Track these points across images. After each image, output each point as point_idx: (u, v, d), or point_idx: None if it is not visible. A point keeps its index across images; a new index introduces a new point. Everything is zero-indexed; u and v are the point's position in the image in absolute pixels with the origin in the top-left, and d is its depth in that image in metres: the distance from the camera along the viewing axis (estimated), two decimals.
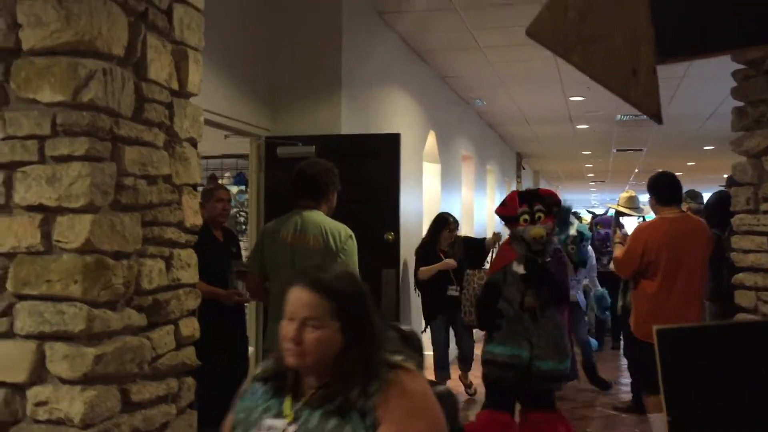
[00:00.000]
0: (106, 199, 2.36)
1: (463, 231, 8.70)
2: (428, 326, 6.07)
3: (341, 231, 3.42)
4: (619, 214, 6.01)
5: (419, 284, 5.90)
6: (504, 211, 4.45)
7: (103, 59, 2.37)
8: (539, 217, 4.23)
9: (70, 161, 2.30)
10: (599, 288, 7.43)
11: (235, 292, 4.10)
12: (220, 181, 7.82)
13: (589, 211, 11.01)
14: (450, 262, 5.81)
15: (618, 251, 4.66)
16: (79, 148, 2.30)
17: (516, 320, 4.20)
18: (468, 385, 6.26)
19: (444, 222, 6.04)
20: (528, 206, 4.27)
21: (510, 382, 4.20)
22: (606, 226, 8.33)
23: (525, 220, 4.25)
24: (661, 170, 4.83)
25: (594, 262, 7.58)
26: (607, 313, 8.78)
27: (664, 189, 4.54)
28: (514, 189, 16.79)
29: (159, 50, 2.66)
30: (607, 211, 9.42)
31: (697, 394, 1.47)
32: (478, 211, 11.10)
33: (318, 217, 3.46)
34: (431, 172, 8.14)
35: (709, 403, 1.46)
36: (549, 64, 7.32)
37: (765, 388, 1.44)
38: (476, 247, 6.28)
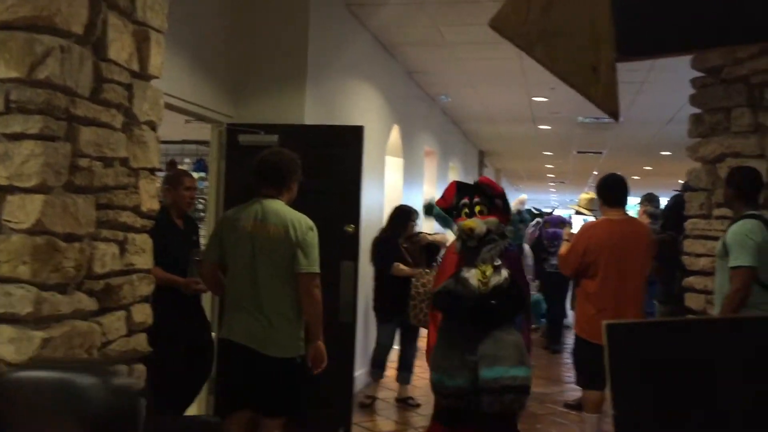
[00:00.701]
0: (60, 180, 2.31)
1: (425, 227, 8.73)
2: (379, 324, 5.88)
3: (302, 222, 3.40)
4: (577, 213, 6.09)
5: (387, 278, 5.66)
6: (442, 203, 4.07)
7: (61, 36, 2.31)
8: (481, 212, 3.81)
9: (23, 139, 2.24)
10: (535, 294, 7.43)
11: (194, 281, 4.03)
12: (179, 167, 7.70)
13: (536, 209, 10.93)
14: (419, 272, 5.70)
15: (563, 248, 4.73)
16: (32, 126, 2.24)
17: (460, 331, 3.80)
18: (406, 399, 5.92)
19: (408, 215, 5.86)
20: (468, 198, 3.88)
21: (462, 406, 3.81)
22: (554, 225, 8.25)
23: (466, 214, 3.86)
24: (610, 172, 4.86)
25: (531, 263, 7.59)
26: (543, 320, 8.76)
27: (610, 191, 4.59)
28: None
29: (120, 30, 2.61)
30: (553, 210, 9.34)
31: (643, 390, 1.50)
32: None
33: (279, 206, 3.43)
34: (394, 166, 8.14)
35: (656, 399, 1.49)
36: (514, 64, 7.38)
37: (713, 384, 1.47)
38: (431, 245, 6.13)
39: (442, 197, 4.06)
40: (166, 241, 3.54)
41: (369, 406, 5.76)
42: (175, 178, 4.18)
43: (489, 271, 3.73)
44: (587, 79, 1.01)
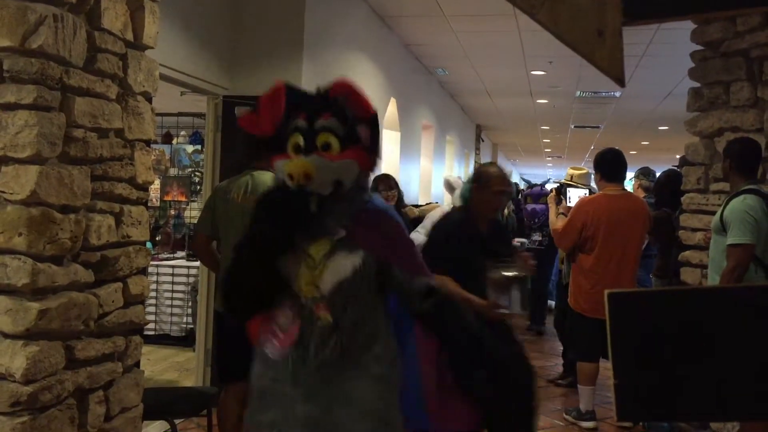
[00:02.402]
0: (54, 151, 2.29)
1: (421, 201, 8.71)
2: None
3: None
4: (568, 186, 6.03)
5: None
6: (254, 125, 2.02)
7: (54, 4, 2.28)
8: (327, 145, 1.90)
9: (17, 109, 2.22)
10: None
11: (496, 303, 2.96)
12: (174, 140, 7.66)
13: (525, 180, 10.27)
14: None
15: (559, 223, 4.72)
16: (26, 96, 2.21)
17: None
18: None
19: (374, 186, 5.03)
20: (307, 117, 1.93)
21: None
22: (535, 200, 7.49)
23: (296, 148, 1.92)
24: (608, 147, 4.84)
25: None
26: None
27: (610, 166, 4.59)
28: (474, 161, 16.19)
29: None
30: (544, 183, 8.35)
31: (644, 359, 1.50)
32: (437, 182, 11.15)
33: (269, 178, 3.41)
34: (391, 140, 8.10)
35: (656, 369, 1.50)
36: (512, 37, 7.31)
37: (713, 354, 1.48)
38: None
39: (256, 113, 2.02)
40: (462, 248, 3.10)
41: None
42: (484, 177, 3.39)
43: (321, 251, 1.95)
44: (592, 43, 0.99)
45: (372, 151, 2.02)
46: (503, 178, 3.35)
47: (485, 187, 3.30)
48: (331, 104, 1.99)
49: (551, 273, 7.75)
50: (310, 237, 1.96)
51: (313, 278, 1.94)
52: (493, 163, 3.51)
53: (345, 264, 1.95)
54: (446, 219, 3.57)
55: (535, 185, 8.12)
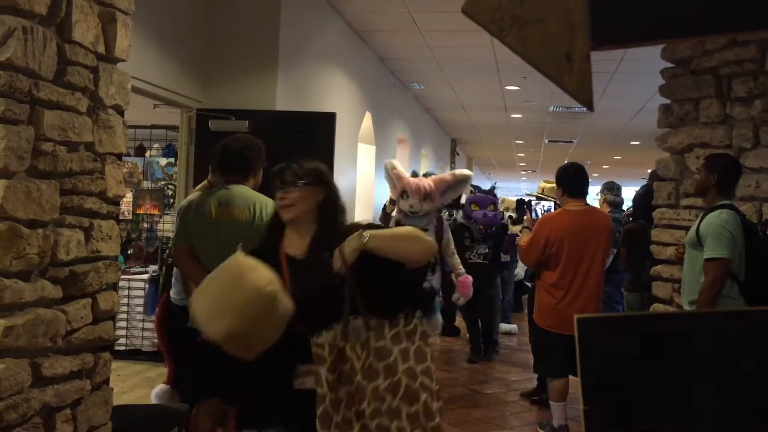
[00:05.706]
0: (22, 165, 2.25)
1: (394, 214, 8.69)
2: None
3: (269, 204, 3.34)
4: (539, 199, 6.03)
5: None
6: None
7: (23, 17, 2.25)
8: None
9: None
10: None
11: None
12: (147, 153, 7.59)
13: (473, 186, 8.22)
14: None
15: (524, 238, 4.72)
16: None
17: None
18: None
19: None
20: None
21: None
22: (483, 206, 6.56)
23: None
24: (570, 162, 4.83)
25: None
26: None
27: (572, 181, 4.58)
28: (448, 173, 16.08)
29: (85, 11, 2.54)
30: (493, 188, 7.46)
31: (614, 384, 1.50)
32: None
33: (245, 190, 3.39)
34: (366, 153, 8.11)
35: (627, 394, 1.50)
36: (487, 52, 7.38)
37: (684, 378, 1.48)
38: None
39: None
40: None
41: None
42: None
43: None
44: (560, 67, 0.99)
45: None
46: None
47: None
48: None
49: (498, 293, 6.98)
50: None
51: None
52: None
53: None
54: None
55: (483, 191, 7.26)
